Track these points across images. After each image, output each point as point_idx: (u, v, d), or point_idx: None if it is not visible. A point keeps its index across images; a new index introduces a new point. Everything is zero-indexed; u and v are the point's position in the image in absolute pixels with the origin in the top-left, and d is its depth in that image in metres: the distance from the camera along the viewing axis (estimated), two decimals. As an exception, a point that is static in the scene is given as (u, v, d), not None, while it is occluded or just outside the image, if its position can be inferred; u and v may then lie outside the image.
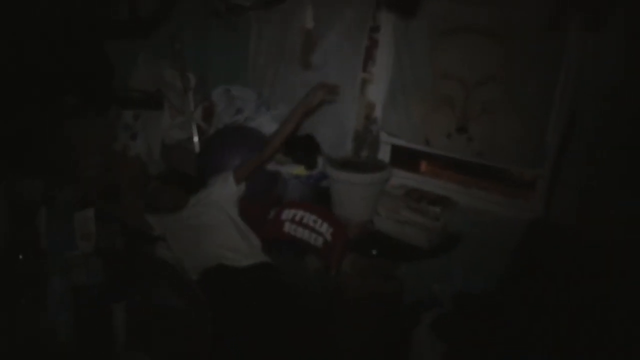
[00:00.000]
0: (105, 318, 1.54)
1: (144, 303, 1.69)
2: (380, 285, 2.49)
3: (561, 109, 2.24)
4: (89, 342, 1.54)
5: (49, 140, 2.67)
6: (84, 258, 1.89)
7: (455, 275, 2.40)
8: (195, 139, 3.09)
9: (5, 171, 2.41)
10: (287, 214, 2.45)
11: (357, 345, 2.36)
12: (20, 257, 1.81)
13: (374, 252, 2.44)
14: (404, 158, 2.87)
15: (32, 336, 1.53)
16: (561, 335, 1.70)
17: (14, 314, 1.61)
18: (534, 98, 2.25)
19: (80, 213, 2.00)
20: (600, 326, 1.69)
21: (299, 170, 2.65)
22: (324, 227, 2.30)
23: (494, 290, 2.06)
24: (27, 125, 2.61)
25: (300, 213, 2.41)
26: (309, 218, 2.36)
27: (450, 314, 1.91)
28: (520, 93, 2.27)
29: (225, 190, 2.36)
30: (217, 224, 2.30)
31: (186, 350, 1.55)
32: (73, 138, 2.78)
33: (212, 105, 3.09)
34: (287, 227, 2.43)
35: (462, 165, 2.82)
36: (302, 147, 2.72)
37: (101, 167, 2.81)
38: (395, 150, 2.86)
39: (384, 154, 2.87)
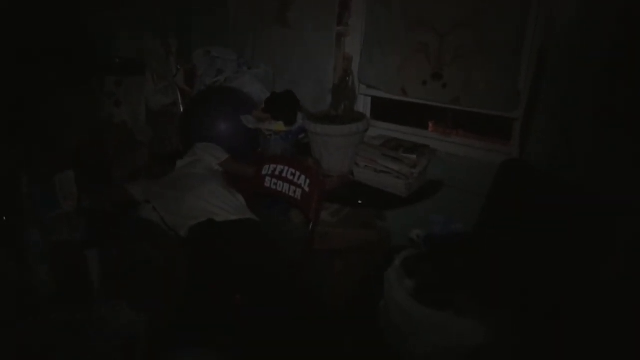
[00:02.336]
0: (83, 267, 1.61)
1: (120, 253, 1.76)
2: (362, 235, 2.54)
3: (532, 51, 2.22)
4: (68, 291, 1.61)
5: (33, 111, 2.72)
6: (67, 216, 1.96)
7: (435, 221, 2.43)
8: (180, 103, 3.13)
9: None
10: (266, 169, 2.48)
11: (339, 292, 2.42)
12: (4, 218, 1.88)
13: (360, 202, 2.48)
14: (385, 109, 2.88)
15: (12, 288, 1.61)
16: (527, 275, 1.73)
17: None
18: (504, 41, 2.22)
19: (62, 175, 2.05)
20: (567, 265, 1.71)
21: (279, 126, 2.67)
22: (302, 179, 2.32)
23: (466, 232, 2.09)
24: (10, 99, 2.65)
25: (279, 167, 2.43)
26: (288, 171, 2.38)
27: (419, 254, 1.96)
28: (491, 36, 2.24)
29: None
30: (202, 180, 2.35)
31: (161, 296, 1.62)
32: (57, 107, 2.82)
33: (193, 68, 3.11)
34: (268, 182, 2.46)
35: (442, 115, 2.83)
36: (282, 104, 2.73)
37: (87, 135, 2.86)
38: (375, 102, 2.87)
39: (365, 107, 2.89)
